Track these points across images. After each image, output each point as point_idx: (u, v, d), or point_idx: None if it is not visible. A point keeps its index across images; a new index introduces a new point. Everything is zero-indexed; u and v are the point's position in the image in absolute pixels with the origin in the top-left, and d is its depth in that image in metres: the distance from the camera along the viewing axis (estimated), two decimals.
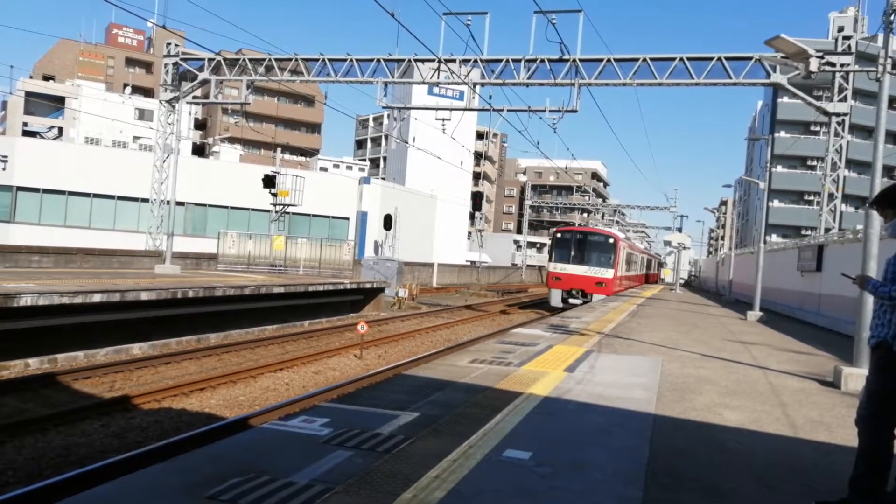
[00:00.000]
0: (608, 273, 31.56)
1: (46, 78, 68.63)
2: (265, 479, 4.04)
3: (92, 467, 6.82)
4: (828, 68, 20.16)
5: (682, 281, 62.02)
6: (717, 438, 5.97)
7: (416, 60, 24.73)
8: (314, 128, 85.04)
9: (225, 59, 26.83)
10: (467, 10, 23.05)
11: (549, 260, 33.03)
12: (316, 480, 4.11)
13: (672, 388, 8.27)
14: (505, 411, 6.27)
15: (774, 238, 60.02)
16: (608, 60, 22.93)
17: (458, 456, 4.81)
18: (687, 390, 8.19)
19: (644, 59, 22.67)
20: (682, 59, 22.36)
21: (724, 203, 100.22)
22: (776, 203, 68.66)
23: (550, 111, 23.59)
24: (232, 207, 39.86)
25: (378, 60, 24.80)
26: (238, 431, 5.77)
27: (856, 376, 9.10)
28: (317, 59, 25.45)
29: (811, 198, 68.65)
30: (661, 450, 5.41)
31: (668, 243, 56.49)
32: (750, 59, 21.91)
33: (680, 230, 59.23)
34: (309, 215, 40.19)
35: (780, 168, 68.06)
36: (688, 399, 7.65)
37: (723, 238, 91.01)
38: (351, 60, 24.95)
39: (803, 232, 59.45)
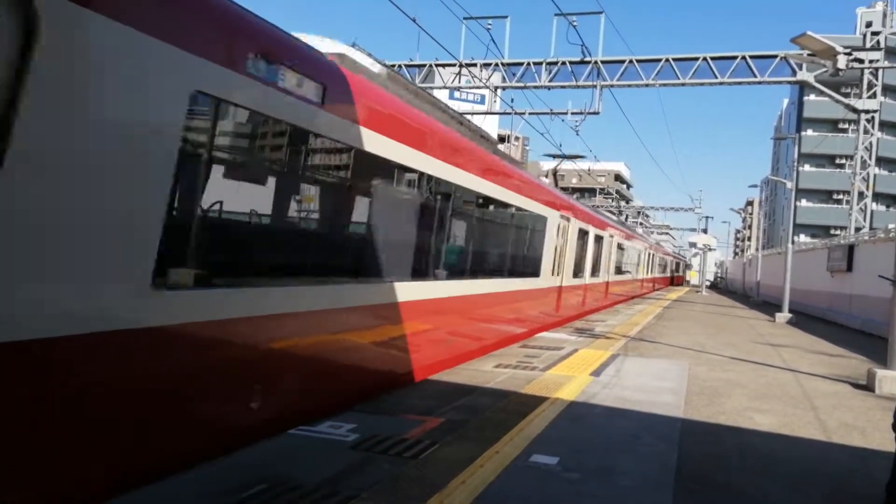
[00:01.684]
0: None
1: None
2: (292, 485, 4.07)
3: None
4: (856, 65, 19.79)
5: (708, 283, 61.27)
6: (747, 443, 5.88)
7: (437, 65, 24.82)
8: None
9: None
10: (488, 15, 23.01)
11: None
12: (343, 486, 4.12)
13: (700, 391, 8.16)
14: (531, 416, 6.23)
15: (803, 238, 59.01)
16: (630, 62, 22.78)
17: (484, 461, 4.79)
18: (715, 394, 8.07)
19: (667, 60, 22.49)
20: (705, 59, 22.13)
21: (749, 203, 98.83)
22: (804, 202, 67.54)
23: (572, 113, 23.50)
24: None
25: (399, 66, 24.92)
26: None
27: (890, 379, 8.90)
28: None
29: (840, 197, 67.43)
30: (690, 455, 5.34)
31: (693, 245, 55.87)
32: (775, 57, 21.60)
33: (705, 231, 58.53)
34: None
35: (807, 167, 66.95)
36: (716, 403, 7.54)
37: (749, 239, 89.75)
38: None
39: (832, 232, 58.37)
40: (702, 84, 22.49)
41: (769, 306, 31.26)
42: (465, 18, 22.76)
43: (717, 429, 6.33)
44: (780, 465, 5.29)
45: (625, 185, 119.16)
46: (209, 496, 3.87)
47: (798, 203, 62.85)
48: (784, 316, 22.41)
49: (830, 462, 5.49)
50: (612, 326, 16.05)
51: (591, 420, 6.31)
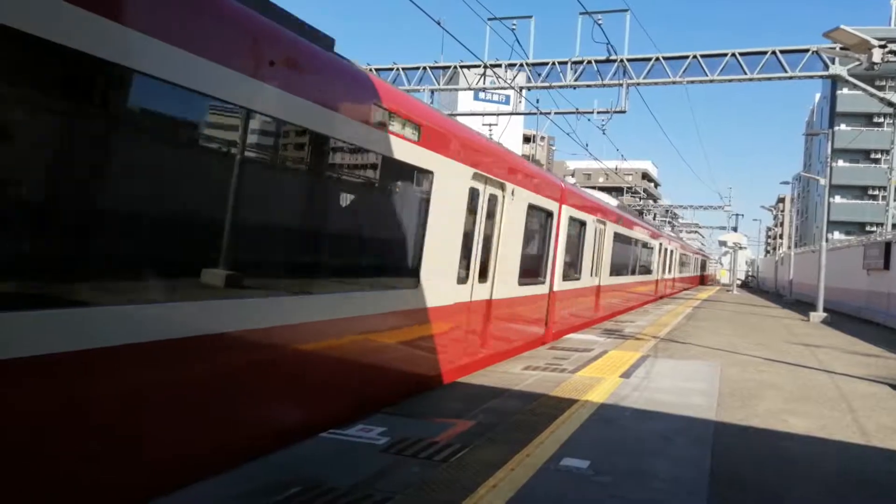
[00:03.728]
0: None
1: None
2: (326, 489, 4.11)
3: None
4: (892, 57, 19.32)
5: (738, 282, 60.30)
6: (782, 446, 5.78)
7: (461, 67, 24.81)
8: None
9: None
10: (512, 15, 22.95)
11: None
12: (375, 489, 4.16)
13: (732, 393, 8.04)
14: (561, 419, 6.21)
15: (837, 235, 57.75)
16: (657, 59, 22.53)
17: (515, 465, 4.79)
18: (749, 396, 7.95)
19: (694, 56, 22.18)
20: (734, 55, 21.77)
21: (781, 200, 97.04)
22: (837, 199, 66.09)
23: (599, 112, 23.31)
24: None
25: (424, 68, 24.98)
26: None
27: None
28: (364, 69, 25.79)
29: (876, 192, 65.84)
30: (723, 458, 5.27)
31: (723, 243, 55.05)
32: (806, 51, 21.17)
33: (735, 229, 57.62)
34: None
35: (841, 162, 65.53)
36: (750, 405, 7.42)
37: (781, 236, 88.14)
38: (397, 69, 25.20)
39: (868, 228, 56.97)
40: (730, 80, 22.12)
41: (803, 305, 30.65)
42: (489, 19, 22.71)
43: (750, 432, 6.23)
44: (816, 470, 5.19)
45: (652, 184, 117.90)
46: (248, 496, 3.93)
47: (832, 199, 61.47)
48: (818, 315, 21.96)
49: (870, 466, 5.38)
50: (641, 327, 15.89)
51: (621, 422, 6.26)
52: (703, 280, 64.64)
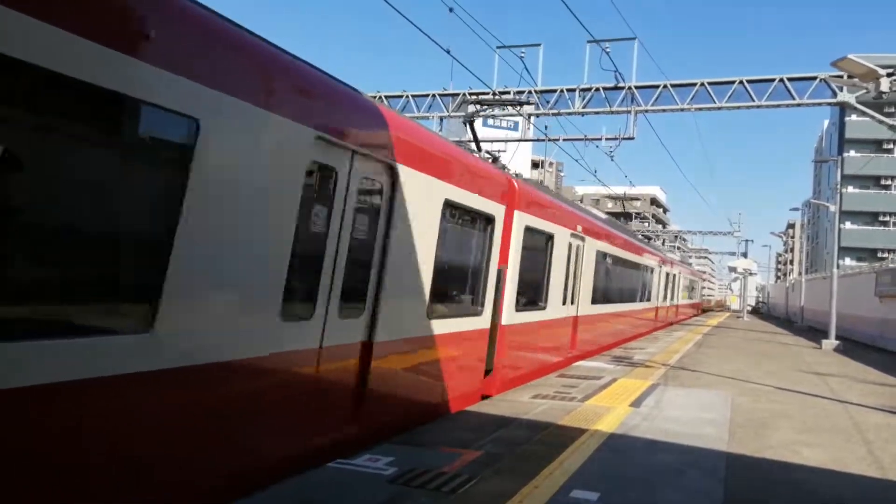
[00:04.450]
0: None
1: None
2: None
3: None
4: None
5: (749, 308, 59.81)
6: (796, 479, 5.68)
7: (470, 94, 25.02)
8: None
9: None
10: (521, 43, 23.21)
11: None
12: None
13: (745, 423, 7.93)
14: (570, 449, 6.13)
15: (848, 262, 57.32)
16: (664, 86, 22.68)
17: (523, 497, 4.73)
18: (761, 426, 7.84)
19: (702, 84, 22.31)
20: (741, 82, 21.88)
21: (791, 226, 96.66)
22: (848, 225, 65.71)
23: (607, 139, 23.42)
24: None
25: (433, 95, 25.23)
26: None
27: None
28: (375, 96, 26.07)
29: (886, 218, 65.48)
30: (736, 491, 5.18)
31: (732, 269, 54.73)
32: (814, 79, 21.24)
33: (745, 255, 57.24)
34: None
35: (851, 189, 65.29)
36: (762, 436, 7.31)
37: (791, 262, 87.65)
38: (407, 97, 25.47)
39: (880, 255, 56.57)
40: (738, 108, 22.20)
41: (814, 332, 30.33)
42: (498, 48, 22.99)
43: (763, 463, 6.13)
44: (832, 503, 5.09)
45: (661, 209, 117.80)
46: None
47: (842, 226, 61.14)
48: (831, 343, 21.71)
49: (887, 501, 5.27)
50: (651, 354, 15.75)
51: (631, 453, 6.18)
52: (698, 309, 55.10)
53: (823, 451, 6.76)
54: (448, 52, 13.43)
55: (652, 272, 24.97)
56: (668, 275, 29.41)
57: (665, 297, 29.12)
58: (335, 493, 4.56)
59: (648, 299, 24.34)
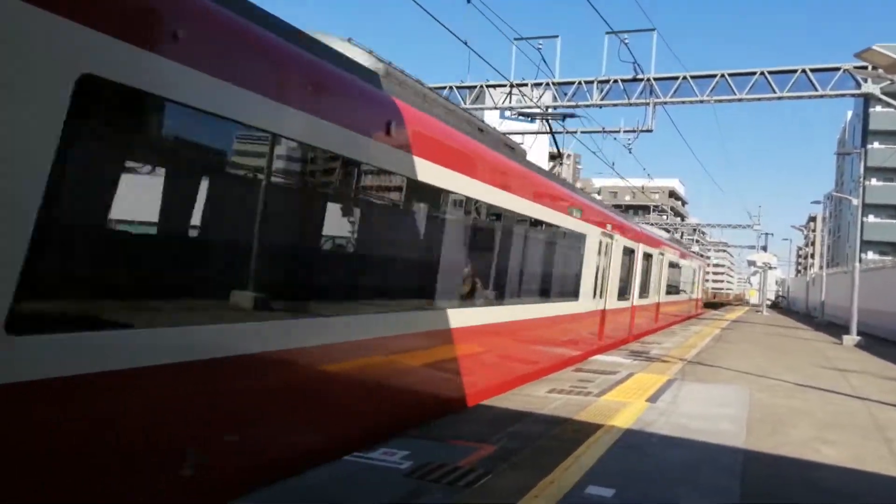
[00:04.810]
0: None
1: None
2: None
3: None
4: None
5: (769, 302, 59.23)
6: (815, 477, 5.63)
7: (487, 86, 24.95)
8: None
9: None
10: (538, 35, 23.06)
11: None
12: None
13: (763, 420, 7.87)
14: (586, 444, 6.13)
15: (871, 255, 56.45)
16: (684, 78, 22.41)
17: (539, 492, 4.74)
18: (779, 423, 7.77)
19: (722, 75, 22.03)
20: (762, 73, 21.58)
21: (812, 219, 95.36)
22: (871, 218, 64.63)
23: (625, 132, 23.24)
24: None
25: (450, 88, 25.17)
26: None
27: None
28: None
29: None
30: (753, 489, 5.15)
31: (752, 263, 54.18)
32: (837, 69, 20.89)
33: (765, 249, 56.65)
34: None
35: (874, 181, 64.17)
36: (780, 433, 7.25)
37: (812, 256, 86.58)
38: None
39: None
40: (759, 99, 21.92)
41: (835, 328, 29.97)
42: (515, 39, 22.84)
43: (781, 461, 6.09)
44: (851, 502, 5.04)
45: (679, 202, 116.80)
46: None
47: (865, 219, 60.15)
48: (852, 338, 21.43)
49: None
50: (668, 349, 15.66)
51: (648, 449, 6.16)
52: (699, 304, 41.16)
53: (843, 449, 6.69)
54: (466, 43, 13.39)
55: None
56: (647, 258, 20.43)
57: (633, 292, 18.71)
58: (352, 489, 4.60)
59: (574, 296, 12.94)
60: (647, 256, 20.38)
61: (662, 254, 23.41)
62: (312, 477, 4.75)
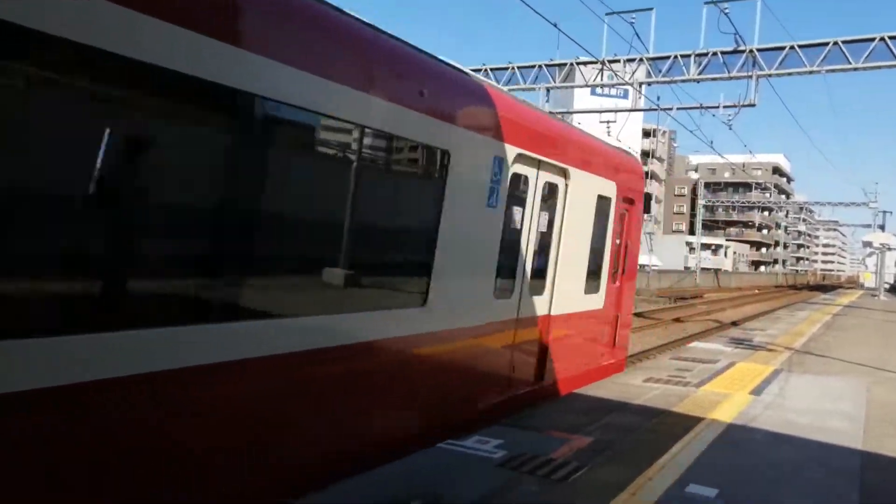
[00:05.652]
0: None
1: None
2: (444, 503, 4.14)
3: None
4: None
5: (886, 286, 54.99)
6: None
7: (577, 64, 24.31)
8: None
9: None
10: (631, 9, 22.16)
11: None
12: None
13: (883, 418, 7.30)
14: (685, 440, 5.90)
15: None
16: (791, 48, 20.94)
17: (636, 489, 4.60)
18: None
19: (835, 43, 20.40)
20: (882, 39, 19.81)
21: None
22: None
23: (725, 107, 22.05)
24: None
25: (540, 66, 24.70)
26: None
27: None
28: (479, 70, 25.88)
29: None
30: (874, 495, 4.78)
31: (867, 244, 50.37)
32: None
33: (882, 228, 52.51)
34: None
35: None
36: None
37: None
38: (513, 69, 25.07)
39: None
40: (878, 67, 20.15)
41: None
42: (607, 14, 22.11)
43: None
44: None
45: (784, 179, 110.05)
46: None
47: None
48: None
49: None
50: (773, 336, 14.85)
51: (752, 446, 5.86)
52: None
53: None
54: (555, 25, 13.04)
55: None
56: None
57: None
58: (446, 477, 4.63)
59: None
60: None
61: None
62: (408, 463, 4.83)
